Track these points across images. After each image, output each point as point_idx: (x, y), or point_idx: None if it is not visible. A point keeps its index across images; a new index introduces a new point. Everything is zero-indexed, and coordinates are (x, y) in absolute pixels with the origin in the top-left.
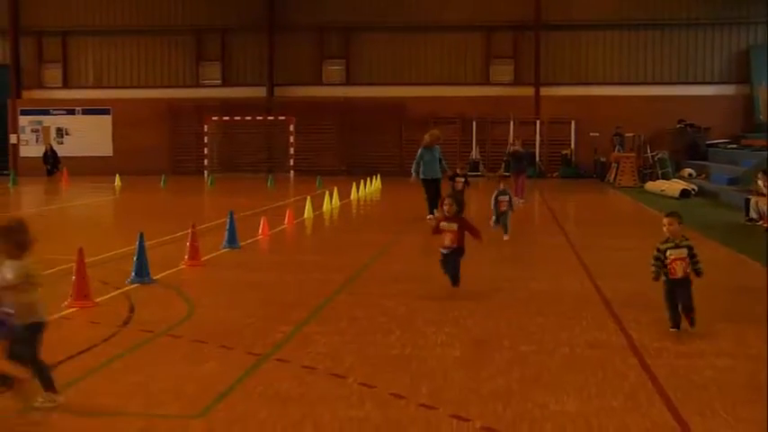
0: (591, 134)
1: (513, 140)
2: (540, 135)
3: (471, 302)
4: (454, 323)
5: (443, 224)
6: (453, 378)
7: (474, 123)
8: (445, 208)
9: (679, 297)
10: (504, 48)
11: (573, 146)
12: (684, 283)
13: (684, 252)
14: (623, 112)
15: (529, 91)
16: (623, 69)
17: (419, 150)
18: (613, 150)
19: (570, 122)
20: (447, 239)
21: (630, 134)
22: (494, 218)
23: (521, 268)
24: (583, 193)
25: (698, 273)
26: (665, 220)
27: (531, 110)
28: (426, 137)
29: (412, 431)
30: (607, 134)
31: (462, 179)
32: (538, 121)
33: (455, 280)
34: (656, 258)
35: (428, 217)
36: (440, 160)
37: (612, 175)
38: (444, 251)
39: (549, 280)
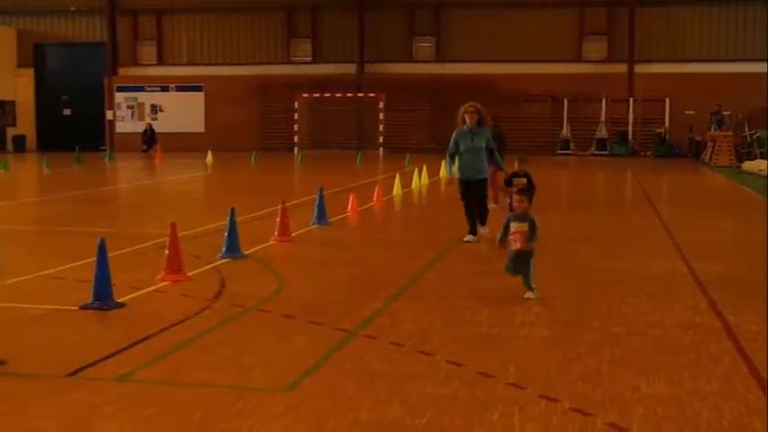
0: (686, 112)
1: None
2: (634, 113)
3: (560, 283)
4: (543, 303)
5: None
6: (542, 358)
7: (565, 101)
8: None
9: None
10: (597, 24)
11: (667, 124)
12: None
13: None
14: (720, 89)
15: (622, 68)
16: (720, 46)
17: (453, 134)
18: (709, 129)
19: (664, 100)
20: None
21: (727, 112)
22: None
23: (611, 248)
24: (677, 172)
25: None
26: None
27: (625, 87)
28: (467, 114)
29: (500, 410)
30: (703, 112)
31: (524, 179)
32: (631, 99)
33: None
34: None
35: (471, 238)
36: (492, 152)
37: (708, 155)
38: None
39: (641, 260)
